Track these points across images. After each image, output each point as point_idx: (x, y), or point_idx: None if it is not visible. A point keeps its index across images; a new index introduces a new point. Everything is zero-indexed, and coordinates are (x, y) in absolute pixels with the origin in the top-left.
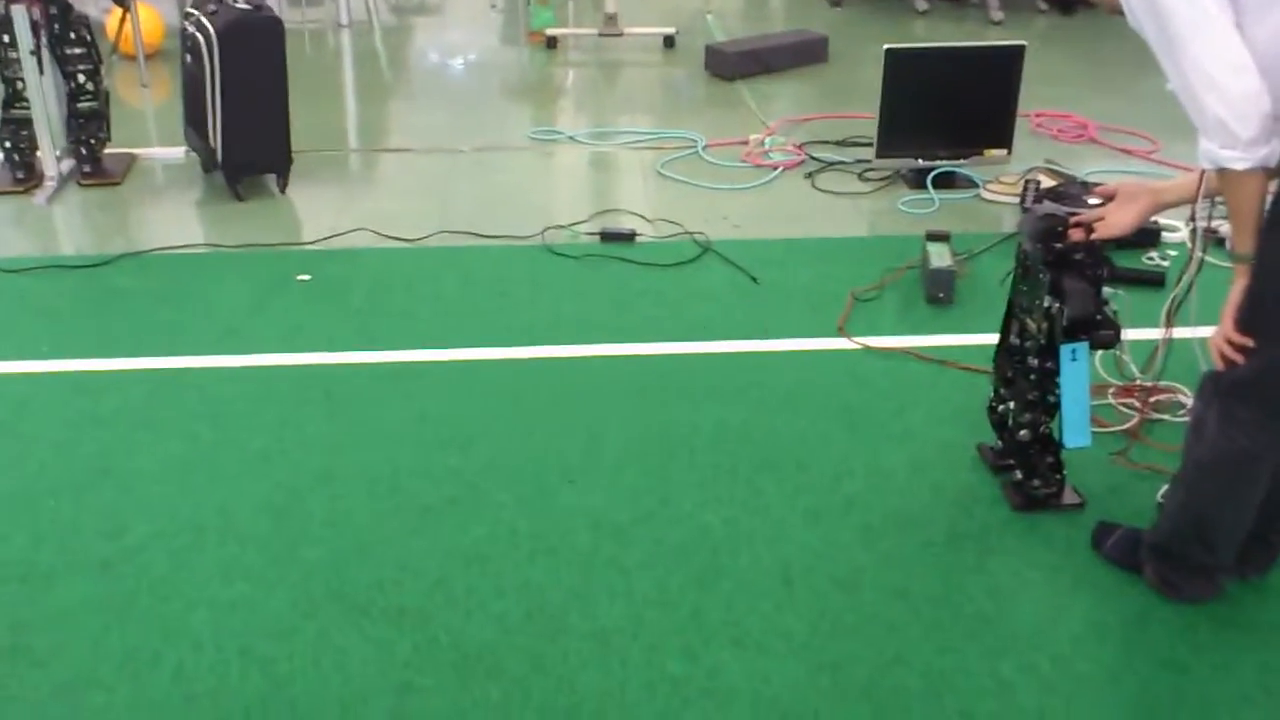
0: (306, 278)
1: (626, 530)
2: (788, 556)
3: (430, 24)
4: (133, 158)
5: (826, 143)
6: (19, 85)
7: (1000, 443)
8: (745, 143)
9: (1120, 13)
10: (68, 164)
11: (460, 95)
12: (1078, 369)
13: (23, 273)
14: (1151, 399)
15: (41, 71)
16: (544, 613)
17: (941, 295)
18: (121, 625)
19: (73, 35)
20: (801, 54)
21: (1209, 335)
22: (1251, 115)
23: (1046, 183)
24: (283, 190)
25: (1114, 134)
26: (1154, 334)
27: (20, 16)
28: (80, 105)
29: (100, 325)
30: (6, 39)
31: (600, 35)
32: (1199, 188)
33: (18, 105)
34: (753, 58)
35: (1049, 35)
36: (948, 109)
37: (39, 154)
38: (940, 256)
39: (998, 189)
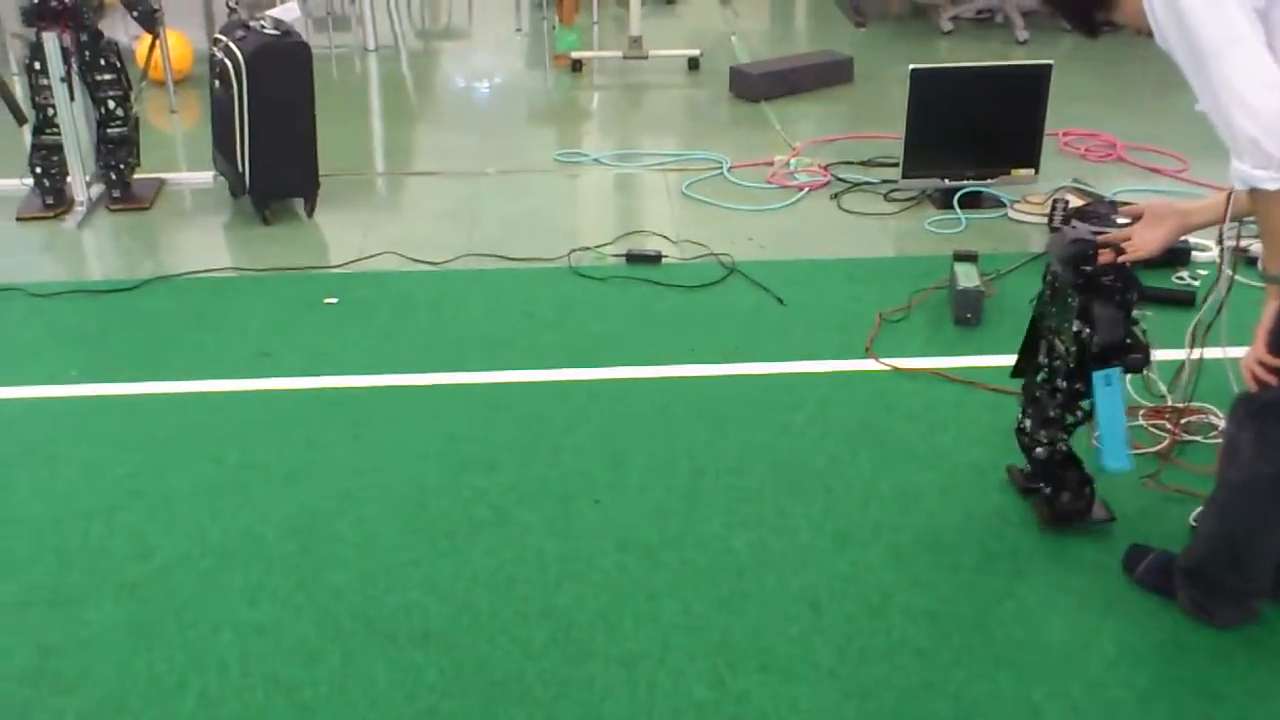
0: (333, 301)
1: (653, 553)
2: (815, 580)
3: (456, 48)
4: (161, 183)
5: (852, 163)
6: (50, 111)
7: (1029, 464)
8: (770, 164)
9: (1148, 33)
10: (97, 189)
11: (486, 118)
12: (1112, 394)
13: (53, 297)
14: (1183, 420)
15: (72, 98)
16: (570, 637)
17: (969, 316)
18: (149, 649)
19: (103, 61)
20: (826, 75)
21: (1240, 356)
22: None
23: (1075, 202)
24: (310, 214)
25: (1142, 153)
26: (1184, 354)
27: (51, 43)
28: (110, 131)
29: (129, 349)
30: (38, 65)
31: (625, 58)
32: (1226, 208)
33: (48, 131)
34: (777, 79)
35: (1075, 54)
36: (974, 129)
37: (69, 179)
38: (968, 277)
39: (1025, 209)
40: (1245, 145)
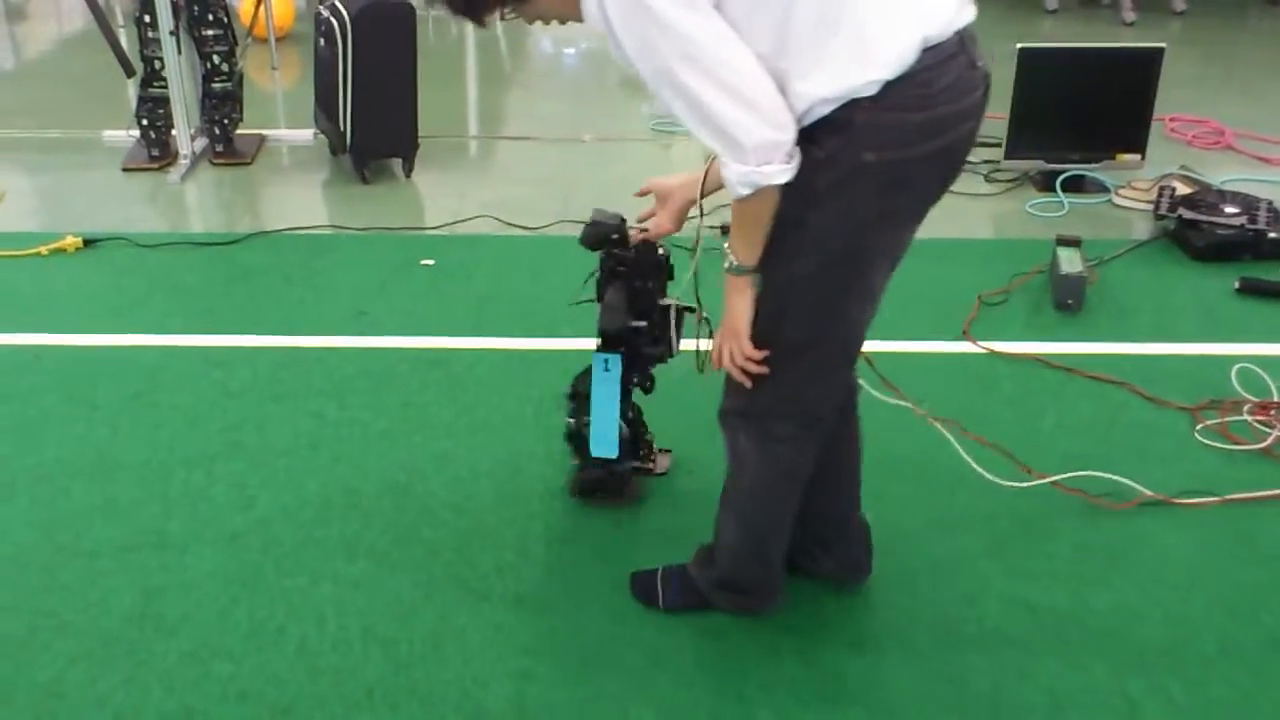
0: (430, 262)
1: None
2: (911, 564)
3: None
4: (262, 139)
5: None
6: (157, 64)
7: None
8: None
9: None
10: (201, 143)
11: (581, 84)
12: (609, 379)
13: (156, 248)
14: None
15: (179, 52)
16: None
17: (1071, 302)
18: (249, 597)
19: (210, 17)
20: None
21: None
22: (789, 123)
23: (1181, 190)
24: (408, 175)
25: (1252, 141)
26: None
27: None
28: (215, 86)
29: (229, 301)
30: (147, 18)
31: None
32: (703, 180)
33: (155, 84)
34: None
35: (1184, 37)
36: (1080, 111)
37: (174, 132)
38: (1071, 262)
39: (1131, 195)
40: (760, 146)
